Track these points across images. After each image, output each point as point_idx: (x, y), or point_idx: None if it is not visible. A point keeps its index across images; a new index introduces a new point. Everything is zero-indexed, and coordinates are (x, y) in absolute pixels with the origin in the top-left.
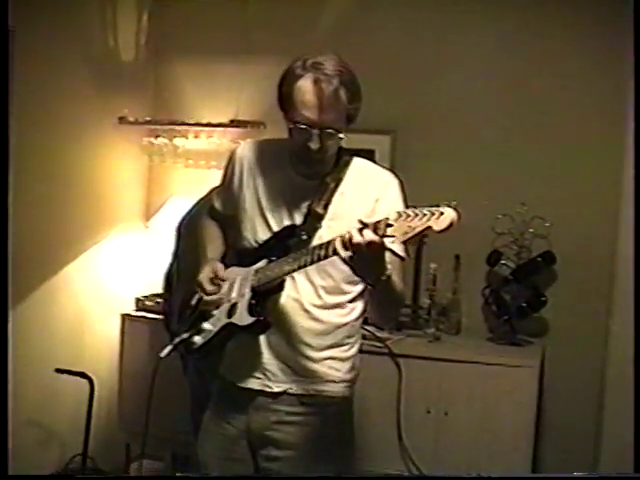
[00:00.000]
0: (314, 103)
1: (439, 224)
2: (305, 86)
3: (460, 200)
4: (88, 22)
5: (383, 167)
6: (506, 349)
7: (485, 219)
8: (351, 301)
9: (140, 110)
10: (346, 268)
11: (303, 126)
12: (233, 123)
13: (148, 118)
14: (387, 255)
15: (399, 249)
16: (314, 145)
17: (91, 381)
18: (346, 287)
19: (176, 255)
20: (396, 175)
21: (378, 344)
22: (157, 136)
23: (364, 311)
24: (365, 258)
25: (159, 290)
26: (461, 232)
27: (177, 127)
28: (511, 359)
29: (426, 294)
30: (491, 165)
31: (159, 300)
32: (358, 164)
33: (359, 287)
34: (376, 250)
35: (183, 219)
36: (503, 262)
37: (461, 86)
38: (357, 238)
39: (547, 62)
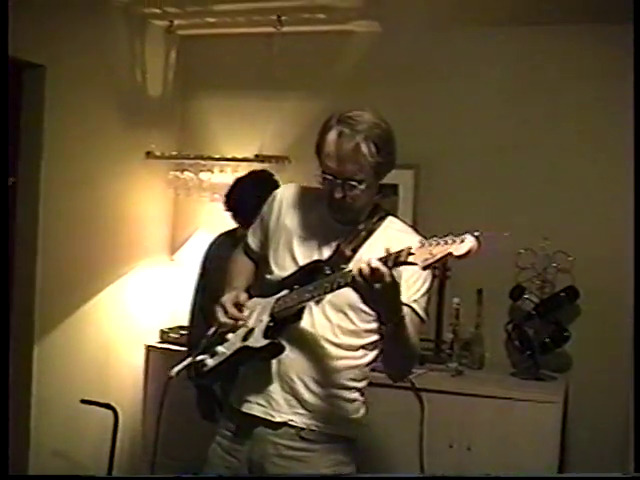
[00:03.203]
0: (334, 155)
1: (458, 250)
2: (330, 138)
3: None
4: (117, 58)
5: (415, 230)
6: (529, 384)
7: (508, 254)
8: (364, 347)
9: (167, 145)
10: (363, 312)
11: (328, 176)
12: (258, 158)
13: (174, 153)
14: (405, 310)
15: (419, 308)
16: (337, 194)
17: (116, 412)
18: (362, 332)
19: (201, 289)
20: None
21: None
22: (183, 170)
23: (375, 359)
24: (373, 287)
25: (183, 322)
26: (484, 266)
27: (203, 161)
28: (534, 394)
29: (449, 328)
30: (514, 199)
31: (183, 332)
32: (391, 222)
33: (375, 336)
34: (380, 278)
35: (208, 253)
36: (526, 297)
37: (483, 122)
38: (364, 267)
39: (576, 103)
